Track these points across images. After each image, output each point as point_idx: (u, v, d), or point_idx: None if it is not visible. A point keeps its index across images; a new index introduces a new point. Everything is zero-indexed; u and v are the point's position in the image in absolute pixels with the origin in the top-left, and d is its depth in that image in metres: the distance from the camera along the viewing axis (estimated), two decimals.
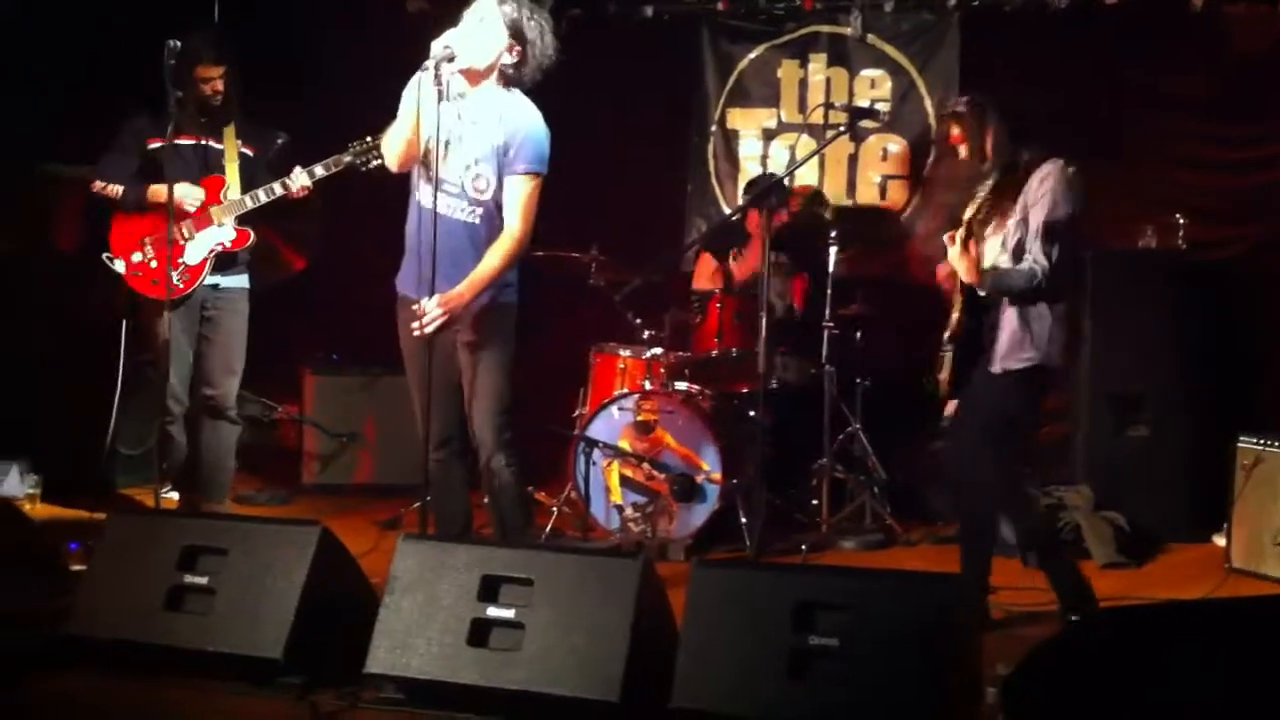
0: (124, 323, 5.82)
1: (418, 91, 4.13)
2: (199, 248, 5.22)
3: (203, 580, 3.76)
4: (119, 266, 5.23)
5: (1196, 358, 5.90)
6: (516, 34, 4.22)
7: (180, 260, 5.18)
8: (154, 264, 5.21)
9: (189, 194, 5.17)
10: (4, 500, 4.41)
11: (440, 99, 4.08)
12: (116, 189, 5.20)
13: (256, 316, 5.47)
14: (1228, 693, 2.80)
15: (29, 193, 6.00)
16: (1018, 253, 4.26)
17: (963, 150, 4.44)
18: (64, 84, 6.08)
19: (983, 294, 4.33)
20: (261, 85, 5.55)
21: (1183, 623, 3.11)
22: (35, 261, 6.12)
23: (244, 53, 5.37)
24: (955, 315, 4.43)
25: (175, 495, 5.67)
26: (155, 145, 5.21)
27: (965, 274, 4.29)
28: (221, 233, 5.25)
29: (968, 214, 4.31)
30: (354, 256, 6.69)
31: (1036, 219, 4.22)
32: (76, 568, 4.26)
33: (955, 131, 4.44)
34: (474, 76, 4.24)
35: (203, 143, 5.27)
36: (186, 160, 5.20)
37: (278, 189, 5.21)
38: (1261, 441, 5.28)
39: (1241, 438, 5.36)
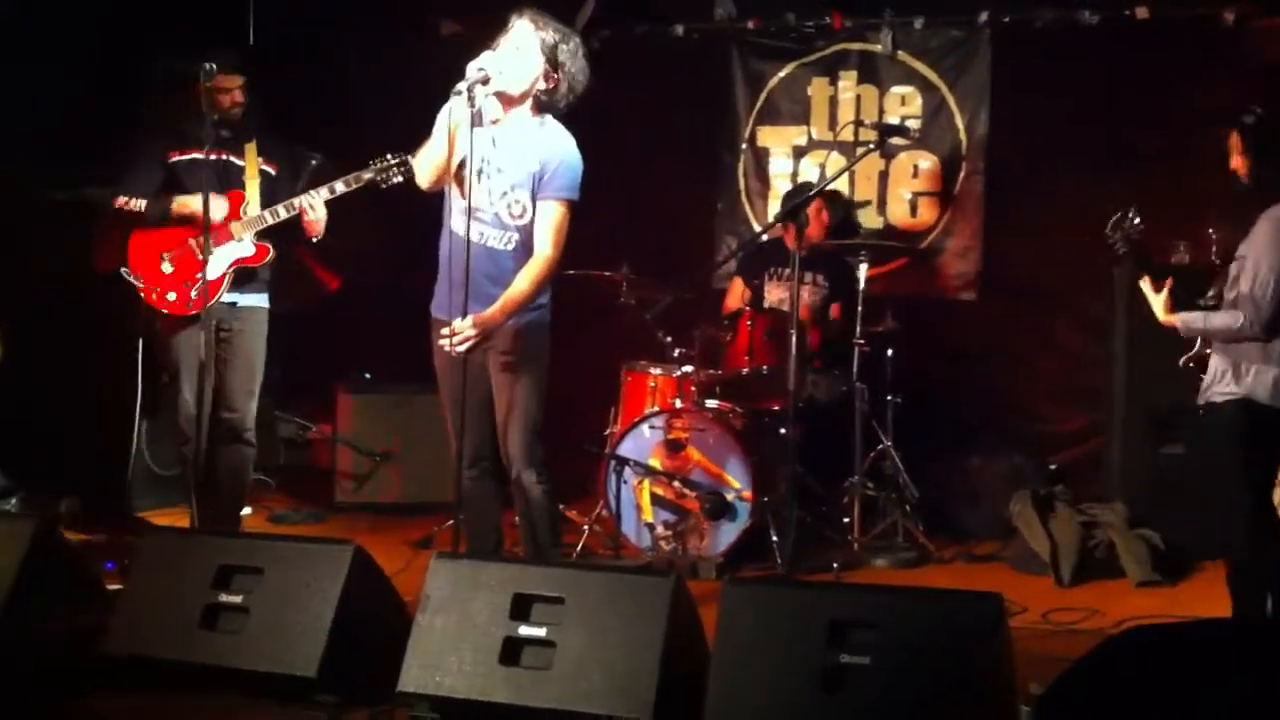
0: (139, 341, 5.78)
1: (450, 114, 4.17)
2: (218, 263, 5.16)
3: (238, 599, 3.78)
4: (137, 283, 5.20)
5: None
6: (552, 61, 4.25)
7: (198, 275, 5.10)
8: (179, 279, 5.18)
9: (212, 206, 5.05)
10: (42, 518, 4.43)
11: (474, 122, 4.11)
12: (139, 203, 5.17)
13: (284, 336, 5.45)
14: (1263, 714, 2.78)
15: (77, 214, 6.04)
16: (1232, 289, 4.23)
17: (1235, 162, 4.34)
18: (99, 104, 6.12)
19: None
20: (296, 106, 5.59)
21: (1217, 641, 3.09)
22: (84, 282, 6.15)
23: (276, 74, 5.40)
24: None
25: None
26: (176, 159, 5.21)
27: (1161, 318, 4.36)
28: (240, 248, 5.22)
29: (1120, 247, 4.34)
30: (387, 276, 6.73)
31: (1249, 261, 4.16)
32: (113, 587, 4.29)
33: (1234, 141, 4.34)
34: (509, 102, 4.28)
35: (224, 158, 5.23)
36: (211, 175, 5.16)
37: (297, 205, 5.15)
38: None
39: None
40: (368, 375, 6.91)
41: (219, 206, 5.14)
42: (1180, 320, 4.34)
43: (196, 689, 3.70)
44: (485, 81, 4.11)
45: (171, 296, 5.18)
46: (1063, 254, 6.35)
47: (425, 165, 4.35)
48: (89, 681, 3.75)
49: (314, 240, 5.23)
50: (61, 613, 3.99)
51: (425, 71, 4.70)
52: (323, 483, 6.81)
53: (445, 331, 4.19)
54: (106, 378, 6.14)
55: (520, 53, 4.22)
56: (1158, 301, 4.39)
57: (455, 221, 4.32)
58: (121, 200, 5.20)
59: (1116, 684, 2.94)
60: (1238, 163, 4.33)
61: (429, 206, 4.53)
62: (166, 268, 5.20)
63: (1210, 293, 4.41)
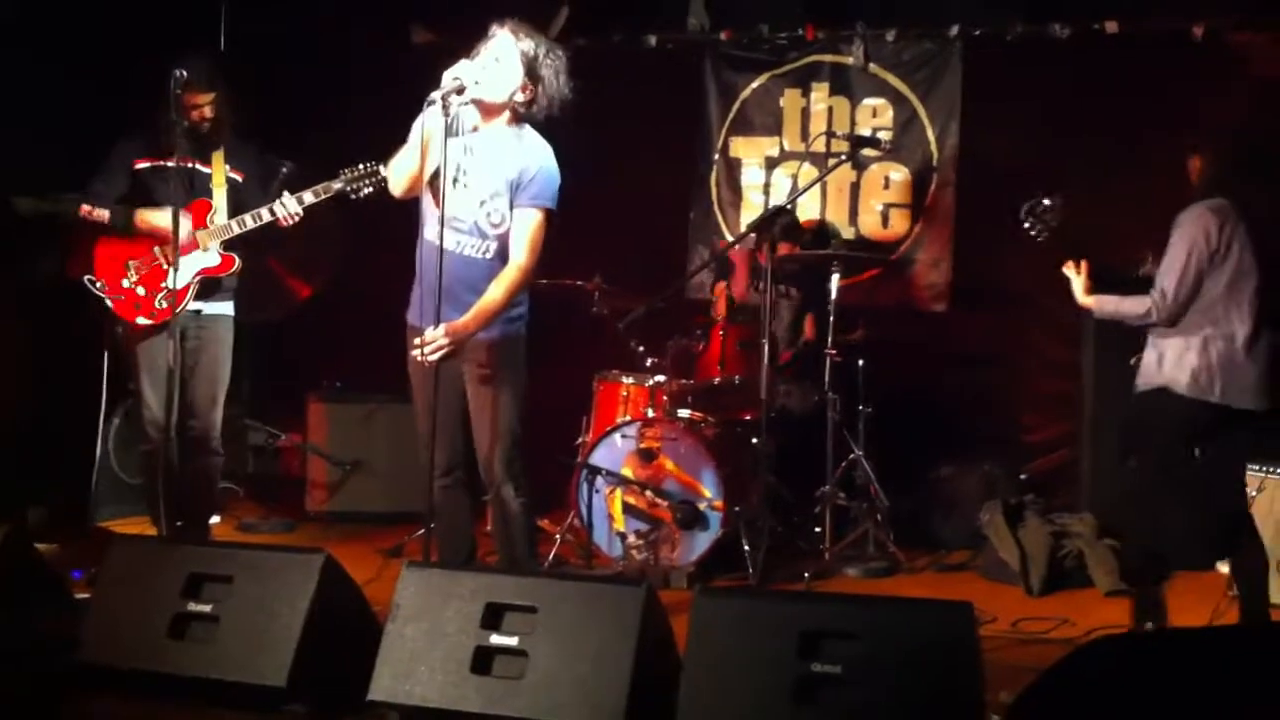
0: (105, 350, 5.78)
1: (424, 123, 4.16)
2: (183, 272, 5.13)
3: (207, 608, 3.76)
4: (103, 291, 5.18)
5: None
6: (531, 73, 4.25)
7: (163, 284, 5.13)
8: (140, 289, 5.18)
9: (164, 223, 5.04)
10: (12, 527, 4.40)
11: (449, 131, 4.10)
12: (104, 213, 5.15)
13: (255, 345, 5.45)
14: None
15: (47, 220, 6.03)
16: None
17: (1190, 165, 4.55)
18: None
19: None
20: (268, 114, 5.57)
21: (1186, 650, 3.11)
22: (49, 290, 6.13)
23: (249, 80, 5.38)
24: None
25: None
26: (142, 166, 5.20)
27: (1079, 299, 4.56)
28: (206, 258, 5.21)
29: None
30: (359, 284, 6.71)
31: (1167, 252, 4.39)
32: (80, 595, 4.26)
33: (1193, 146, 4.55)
34: (487, 111, 4.27)
35: (190, 165, 5.20)
36: (176, 183, 5.12)
37: (265, 215, 5.15)
38: (1265, 469, 5.28)
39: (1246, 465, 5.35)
40: (339, 384, 6.89)
41: (183, 219, 5.09)
42: (1095, 302, 4.53)
43: (166, 698, 3.68)
44: (460, 91, 4.10)
45: (138, 306, 5.17)
46: (1033, 266, 6.37)
47: (398, 173, 4.34)
48: (59, 691, 3.72)
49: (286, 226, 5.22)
50: (29, 622, 3.96)
51: (402, 79, 4.68)
52: (293, 491, 6.78)
53: (418, 340, 4.18)
54: (71, 386, 6.10)
55: (500, 63, 4.22)
56: (1077, 282, 4.55)
57: (431, 230, 4.31)
58: (86, 209, 5.17)
59: (1085, 693, 2.96)
60: (1191, 166, 4.55)
61: (401, 214, 4.52)
62: (132, 276, 5.19)
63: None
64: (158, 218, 5.09)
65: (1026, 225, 4.53)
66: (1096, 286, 4.56)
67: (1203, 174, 4.47)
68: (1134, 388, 4.51)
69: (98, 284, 5.18)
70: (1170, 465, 4.42)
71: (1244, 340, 4.34)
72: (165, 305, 5.10)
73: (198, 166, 5.25)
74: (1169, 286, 4.34)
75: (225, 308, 5.34)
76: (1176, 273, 4.33)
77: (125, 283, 5.19)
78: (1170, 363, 4.36)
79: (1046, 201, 4.52)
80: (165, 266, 5.11)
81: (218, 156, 5.27)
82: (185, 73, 4.81)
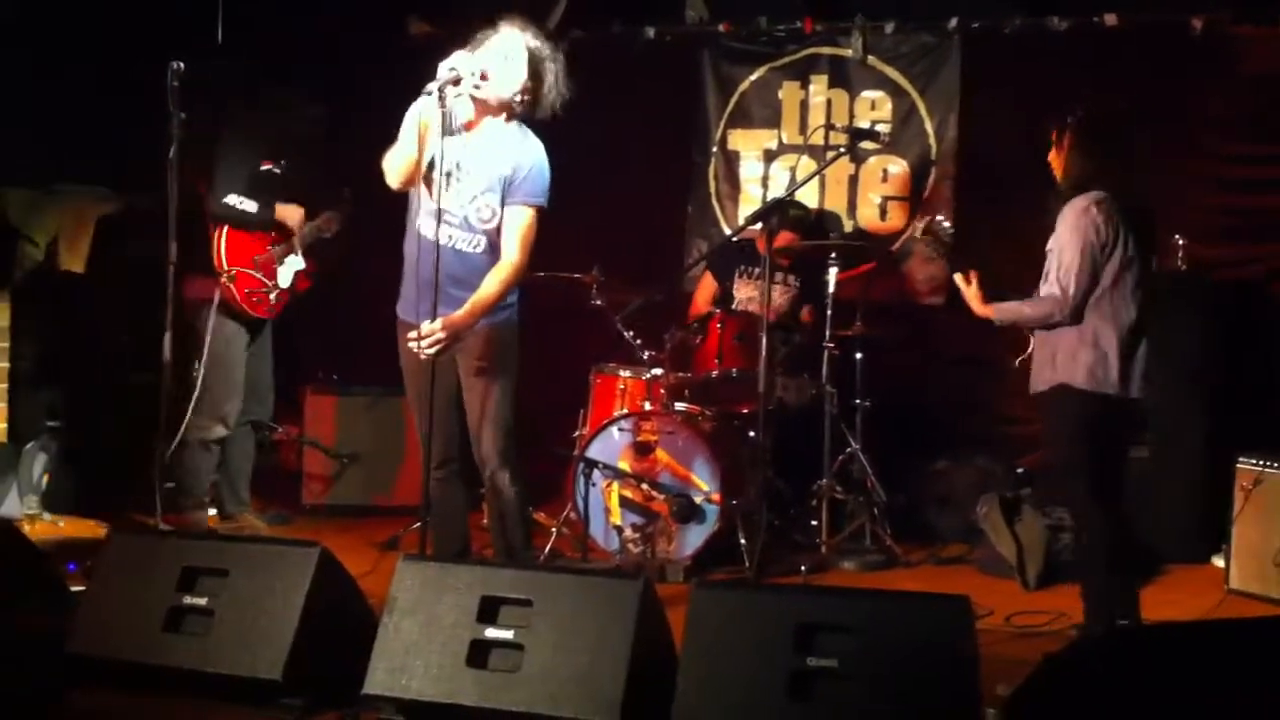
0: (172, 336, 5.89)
1: (421, 113, 4.14)
2: (288, 272, 5.64)
3: (202, 601, 3.76)
4: (229, 280, 5.54)
5: (1197, 379, 5.91)
6: (535, 73, 4.24)
7: (274, 282, 5.61)
8: (264, 283, 5.62)
9: (296, 217, 5.67)
10: (4, 520, 4.40)
11: (444, 120, 4.09)
12: (250, 205, 5.51)
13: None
14: (1228, 715, 2.79)
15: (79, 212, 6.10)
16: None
17: (1051, 157, 4.49)
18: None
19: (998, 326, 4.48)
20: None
21: (1182, 644, 3.11)
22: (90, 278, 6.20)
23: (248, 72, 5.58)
24: None
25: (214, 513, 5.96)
26: (266, 168, 5.59)
27: (977, 313, 4.47)
28: (298, 260, 5.67)
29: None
30: (355, 278, 6.69)
31: (1056, 248, 4.34)
32: (76, 588, 4.26)
33: (1057, 139, 4.48)
34: (488, 108, 4.26)
35: (279, 168, 5.68)
36: (279, 185, 5.63)
37: (334, 226, 5.74)
38: (1261, 462, 5.29)
39: (1241, 458, 5.37)
40: (335, 377, 6.88)
41: (294, 216, 5.68)
42: (995, 311, 4.49)
43: (161, 691, 3.68)
44: (456, 82, 4.09)
45: (257, 300, 5.62)
46: (1031, 258, 6.36)
47: (395, 165, 4.32)
48: (54, 683, 3.71)
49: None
50: (23, 613, 3.95)
51: (400, 72, 4.67)
52: (289, 484, 6.77)
53: (413, 334, 4.17)
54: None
55: (509, 61, 4.20)
56: (970, 294, 4.54)
57: (422, 223, 4.30)
58: (233, 199, 5.52)
59: (1083, 686, 2.95)
60: (1054, 158, 4.47)
61: (398, 207, 4.51)
62: (255, 271, 5.57)
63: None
64: (288, 213, 5.65)
65: (927, 241, 4.65)
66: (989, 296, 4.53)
67: (1075, 164, 4.38)
68: (1034, 387, 4.44)
69: (227, 274, 5.54)
70: (1077, 462, 4.38)
71: (1132, 330, 4.32)
72: (276, 301, 5.67)
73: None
74: (1069, 284, 4.27)
75: None
76: (1074, 269, 4.26)
77: (248, 276, 5.58)
78: (1064, 359, 4.32)
79: (946, 223, 4.94)
80: (278, 265, 5.62)
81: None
82: (183, 65, 4.82)
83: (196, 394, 5.45)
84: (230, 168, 5.53)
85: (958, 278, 4.55)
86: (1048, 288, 4.34)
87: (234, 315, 5.61)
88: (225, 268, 5.49)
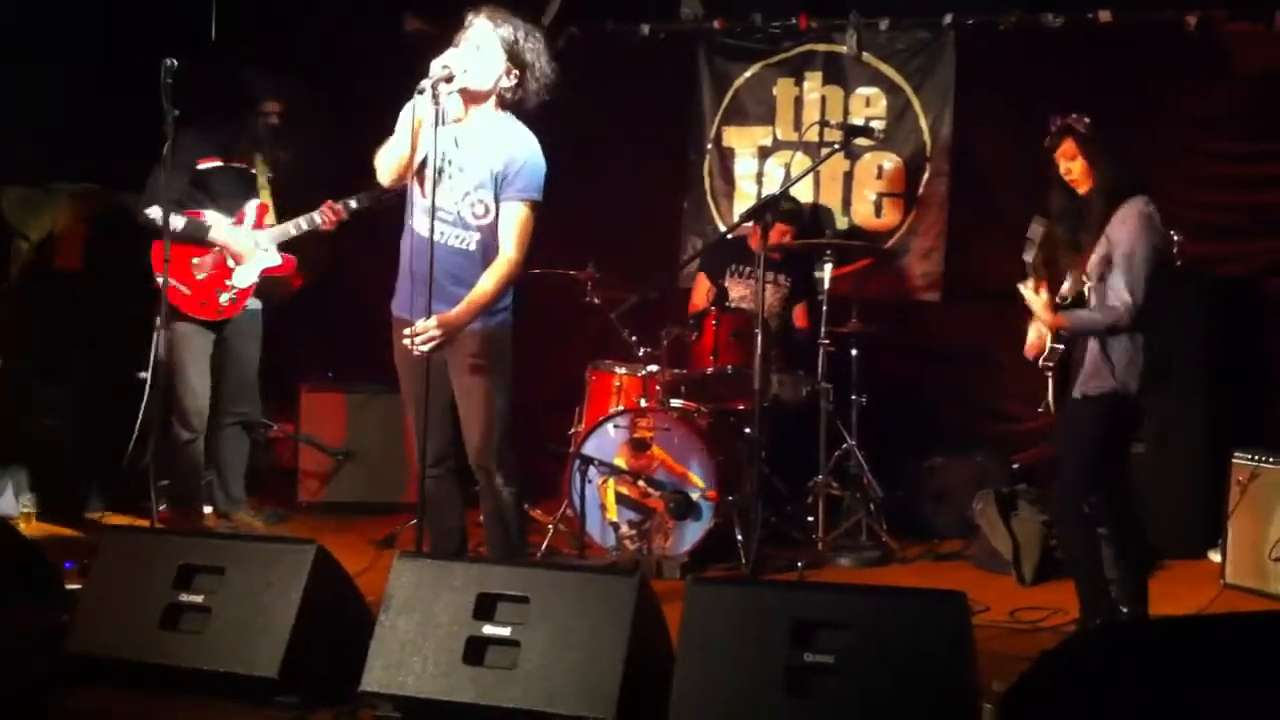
0: (155, 337, 5.84)
1: (414, 110, 4.14)
2: (249, 272, 5.49)
3: (199, 599, 3.76)
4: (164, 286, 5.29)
5: (1194, 374, 5.91)
6: (514, 58, 4.23)
7: (229, 283, 5.46)
8: (216, 285, 5.47)
9: (232, 239, 5.46)
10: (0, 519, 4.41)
11: (437, 119, 4.08)
12: (178, 221, 5.25)
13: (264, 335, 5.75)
14: (1223, 709, 2.80)
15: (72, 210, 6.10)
16: (1102, 287, 4.30)
17: (1066, 167, 4.42)
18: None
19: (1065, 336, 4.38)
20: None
21: (1179, 639, 3.11)
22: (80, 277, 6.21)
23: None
24: (1032, 336, 4.53)
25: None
26: (205, 166, 5.42)
27: (1048, 323, 4.36)
28: (268, 258, 5.52)
29: (1029, 256, 4.41)
30: (351, 275, 6.70)
31: (1122, 254, 4.25)
32: (72, 586, 4.25)
33: (1067, 147, 4.40)
34: (472, 100, 4.25)
35: (244, 167, 5.53)
36: (233, 183, 5.47)
37: (317, 219, 5.51)
38: (1257, 457, 5.30)
39: (1237, 454, 5.38)
40: (331, 374, 6.88)
41: (245, 220, 5.50)
42: (1068, 319, 4.36)
43: (158, 689, 3.67)
44: (449, 79, 4.08)
45: (204, 303, 5.46)
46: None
47: (387, 162, 4.31)
48: (51, 680, 3.71)
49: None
50: (20, 611, 3.95)
51: (393, 69, 4.66)
52: (285, 482, 6.77)
53: (408, 332, 4.17)
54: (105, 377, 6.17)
55: (481, 51, 4.19)
56: (1039, 304, 4.39)
57: (417, 220, 4.29)
58: (155, 213, 5.23)
59: (1079, 681, 2.96)
60: (1077, 168, 4.39)
61: (391, 205, 4.51)
62: (199, 275, 5.44)
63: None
64: (229, 233, 5.46)
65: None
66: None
67: (1108, 171, 4.33)
68: (1083, 390, 4.34)
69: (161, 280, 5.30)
70: (1099, 463, 4.38)
71: (1158, 331, 4.34)
72: (229, 302, 5.49)
73: (248, 167, 5.54)
74: (1139, 291, 4.22)
75: (255, 303, 5.68)
76: (1143, 276, 4.23)
77: (191, 280, 5.44)
78: (1121, 366, 4.29)
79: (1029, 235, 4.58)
80: (231, 266, 5.47)
81: (259, 158, 5.57)
82: (175, 62, 4.80)
83: (145, 398, 5.37)
84: (156, 180, 5.27)
85: (1025, 288, 4.43)
86: (1115, 294, 4.26)
87: (183, 318, 5.45)
88: (156, 274, 5.23)
